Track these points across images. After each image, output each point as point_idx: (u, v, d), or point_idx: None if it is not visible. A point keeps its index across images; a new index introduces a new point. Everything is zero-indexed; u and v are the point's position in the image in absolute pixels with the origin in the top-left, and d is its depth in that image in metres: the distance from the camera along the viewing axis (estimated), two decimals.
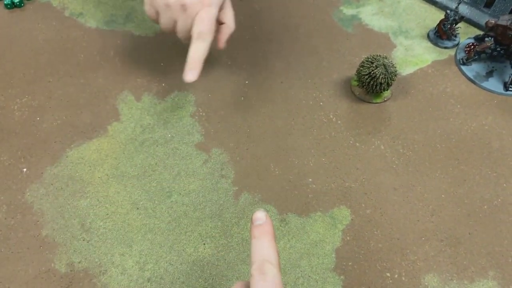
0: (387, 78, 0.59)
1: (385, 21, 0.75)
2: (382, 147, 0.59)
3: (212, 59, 0.68)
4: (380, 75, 0.58)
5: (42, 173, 0.55)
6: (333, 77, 0.67)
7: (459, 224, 0.52)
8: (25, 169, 0.55)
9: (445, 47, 0.70)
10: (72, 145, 0.58)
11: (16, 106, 0.62)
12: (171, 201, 0.53)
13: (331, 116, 0.62)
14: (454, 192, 0.55)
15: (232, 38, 0.71)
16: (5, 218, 0.51)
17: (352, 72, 0.67)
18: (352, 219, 0.52)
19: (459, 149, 0.59)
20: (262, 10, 0.77)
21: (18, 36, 0.71)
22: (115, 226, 0.51)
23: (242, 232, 0.51)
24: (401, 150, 0.58)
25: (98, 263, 0.48)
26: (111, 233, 0.50)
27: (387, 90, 0.61)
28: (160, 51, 0.69)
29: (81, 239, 0.50)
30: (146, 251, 0.49)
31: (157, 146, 0.58)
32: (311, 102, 0.63)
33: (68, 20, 0.74)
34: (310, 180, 0.55)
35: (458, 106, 0.63)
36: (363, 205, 0.53)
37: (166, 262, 0.49)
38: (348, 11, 0.76)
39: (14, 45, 0.69)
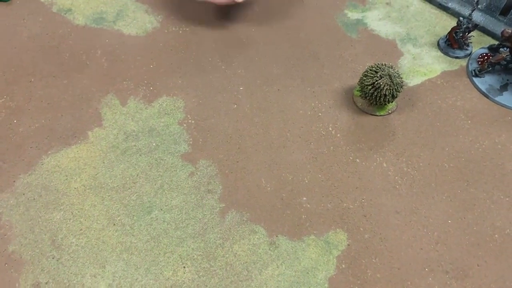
0: (392, 89, 0.54)
1: (392, 27, 0.70)
2: (385, 165, 0.54)
3: (205, 63, 0.64)
4: (384, 86, 0.54)
5: (14, 181, 0.51)
6: (334, 85, 0.62)
7: (467, 254, 0.47)
8: None
9: (456, 57, 0.65)
10: (49, 152, 0.54)
11: None
12: (151, 218, 0.49)
13: (330, 129, 0.57)
14: (462, 218, 0.50)
15: (226, 41, 0.67)
16: None
17: (355, 81, 0.62)
18: (348, 245, 0.47)
19: (469, 170, 0.54)
20: (261, 12, 0.72)
21: (1, 32, 0.67)
22: (88, 243, 0.47)
23: (227, 256, 0.46)
24: (405, 169, 0.54)
25: (67, 284, 0.44)
26: (83, 251, 0.46)
27: (391, 102, 0.56)
28: (150, 52, 0.65)
29: (51, 257, 0.46)
30: (120, 272, 0.45)
31: (140, 155, 0.54)
32: (309, 113, 0.59)
33: (55, 16, 0.69)
34: (305, 199, 0.51)
35: (469, 121, 0.58)
36: (362, 229, 0.49)
37: (141, 287, 0.44)
38: (353, 15, 0.72)
39: None
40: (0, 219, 0.48)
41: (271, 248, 0.47)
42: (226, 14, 0.70)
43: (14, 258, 0.45)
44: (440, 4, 0.72)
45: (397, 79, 0.54)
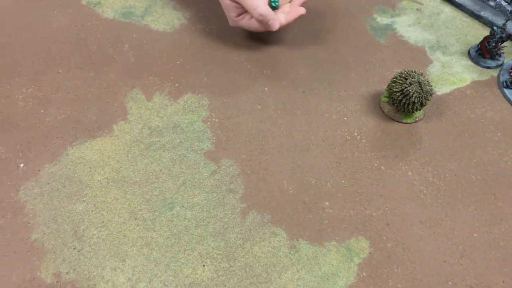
0: (421, 97, 0.53)
1: (422, 34, 0.68)
2: (410, 173, 0.53)
3: (231, 61, 0.64)
4: (414, 93, 0.53)
5: (39, 170, 0.51)
6: (360, 90, 0.61)
7: (492, 269, 0.46)
8: (22, 165, 0.52)
9: (487, 67, 0.64)
10: (74, 143, 0.54)
11: (20, 96, 0.58)
12: (172, 214, 0.49)
13: (356, 134, 0.56)
14: (488, 232, 0.49)
15: (253, 41, 0.67)
16: None
17: (382, 87, 0.61)
18: (370, 253, 0.47)
19: (497, 183, 0.52)
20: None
21: (32, 22, 0.68)
22: (109, 236, 0.47)
23: (247, 257, 0.46)
24: (430, 179, 0.53)
25: (87, 276, 0.44)
26: (104, 243, 0.46)
27: (420, 110, 0.55)
28: (177, 48, 0.65)
29: (72, 248, 0.46)
30: (140, 267, 0.45)
31: (163, 151, 0.54)
32: (334, 116, 0.58)
33: (84, 9, 0.70)
34: (327, 204, 0.50)
35: (499, 134, 0.57)
36: (384, 237, 0.48)
37: (161, 282, 0.44)
38: (382, 19, 0.71)
39: (26, 31, 0.66)
40: (24, 207, 0.48)
41: (291, 252, 0.46)
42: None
43: (37, 246, 0.46)
44: (472, 12, 0.70)
45: (427, 87, 0.53)
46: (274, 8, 0.61)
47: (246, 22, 0.61)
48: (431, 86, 0.54)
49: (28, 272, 0.44)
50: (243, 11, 0.60)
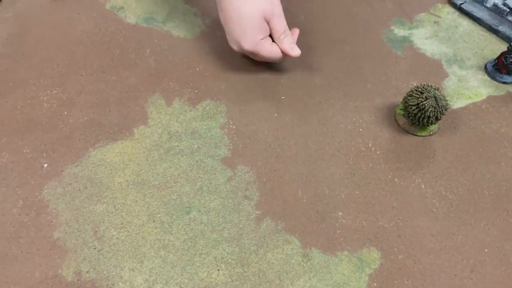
0: (437, 111, 0.54)
1: (439, 47, 0.69)
2: (423, 186, 0.54)
3: (249, 69, 0.65)
4: (429, 107, 0.53)
5: (62, 171, 0.53)
6: (376, 102, 0.62)
7: (502, 285, 0.47)
8: (45, 165, 0.54)
9: (504, 82, 0.64)
10: (96, 145, 0.56)
11: (45, 98, 0.60)
12: (189, 218, 0.50)
13: (370, 145, 0.57)
14: (500, 248, 0.49)
15: None
16: (19, 214, 0.50)
17: (398, 99, 0.62)
18: (381, 264, 0.47)
19: (510, 199, 0.53)
20: (307, 22, 0.73)
21: (58, 24, 0.70)
22: (128, 238, 0.48)
23: (260, 263, 0.47)
24: (443, 192, 0.53)
25: (106, 275, 0.46)
26: (123, 244, 0.48)
27: (435, 124, 0.56)
28: (197, 55, 0.66)
29: (92, 247, 0.48)
30: (157, 269, 0.46)
31: (182, 156, 0.55)
32: (349, 127, 0.59)
33: (108, 13, 0.72)
34: (340, 213, 0.51)
35: None
36: (396, 249, 0.49)
37: (177, 285, 0.46)
38: (399, 31, 0.71)
39: (52, 34, 0.68)
40: (47, 206, 0.50)
41: (304, 260, 0.47)
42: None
43: (59, 245, 0.48)
44: (490, 27, 0.70)
45: (443, 101, 0.54)
46: None
47: (267, 48, 0.58)
48: (446, 101, 0.54)
49: (50, 269, 0.46)
50: (268, 33, 0.59)
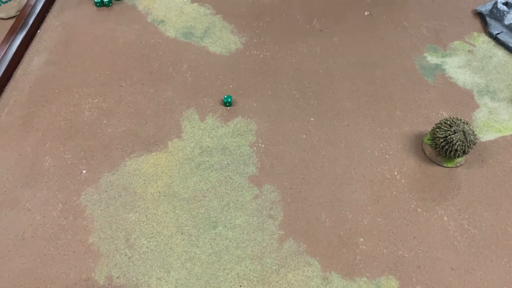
0: (465, 146, 0.54)
1: (471, 77, 0.69)
2: (446, 219, 0.54)
3: (280, 89, 0.67)
4: (457, 141, 0.54)
5: (99, 178, 0.57)
6: (404, 129, 0.63)
7: None
8: (84, 171, 0.57)
9: None
10: (131, 155, 0.59)
11: (87, 106, 0.64)
12: (215, 233, 0.52)
13: (396, 173, 0.58)
14: None
15: (303, 70, 0.70)
16: (59, 217, 0.53)
17: (426, 128, 0.63)
18: None
19: None
20: (340, 44, 0.74)
21: (101, 35, 0.73)
22: (157, 248, 0.51)
23: (281, 282, 0.49)
24: (466, 226, 0.54)
25: (135, 282, 0.49)
26: (152, 253, 0.51)
27: (462, 157, 0.57)
28: (232, 72, 0.69)
29: (124, 254, 0.51)
30: (183, 280, 0.49)
31: (211, 171, 0.58)
32: (376, 153, 0.60)
33: (149, 26, 0.75)
34: (362, 240, 0.52)
35: None
36: (414, 279, 0.50)
37: None
38: (432, 59, 0.72)
39: (96, 44, 0.72)
40: (84, 211, 0.54)
41: (323, 283, 0.49)
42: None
43: (93, 249, 0.51)
44: None
45: (471, 136, 0.54)
46: (228, 105, 0.63)
47: None
48: (475, 135, 0.55)
49: (84, 272, 0.49)
50: None
